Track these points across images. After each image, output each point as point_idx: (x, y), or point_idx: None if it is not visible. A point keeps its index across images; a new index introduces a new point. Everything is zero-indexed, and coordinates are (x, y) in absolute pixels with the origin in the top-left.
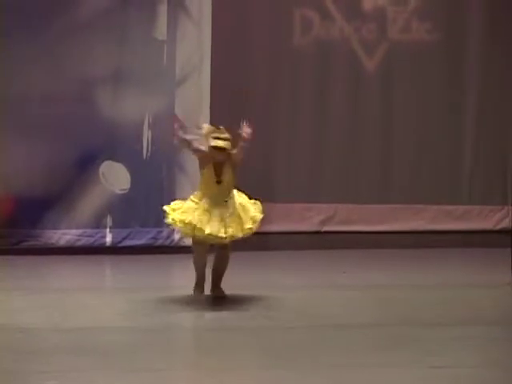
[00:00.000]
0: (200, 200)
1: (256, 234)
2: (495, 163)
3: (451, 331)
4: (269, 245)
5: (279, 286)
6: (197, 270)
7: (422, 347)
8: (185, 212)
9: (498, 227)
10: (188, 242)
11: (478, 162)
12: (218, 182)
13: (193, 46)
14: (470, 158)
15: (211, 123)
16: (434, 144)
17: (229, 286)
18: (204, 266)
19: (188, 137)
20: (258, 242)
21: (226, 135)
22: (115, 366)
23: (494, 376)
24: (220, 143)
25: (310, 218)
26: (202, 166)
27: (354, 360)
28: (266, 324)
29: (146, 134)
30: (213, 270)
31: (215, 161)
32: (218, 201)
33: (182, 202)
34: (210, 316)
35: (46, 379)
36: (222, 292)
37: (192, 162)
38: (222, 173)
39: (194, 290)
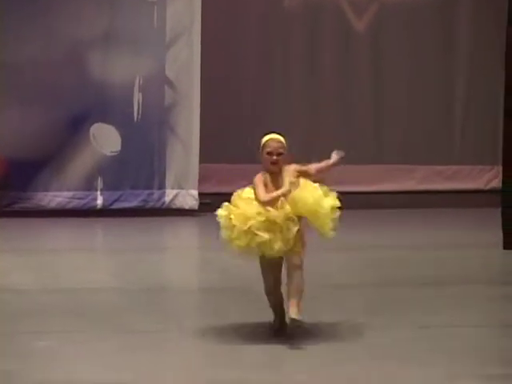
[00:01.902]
0: None
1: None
2: (485, 124)
3: (442, 291)
4: None
5: None
6: None
7: (413, 307)
8: None
9: (488, 187)
10: (177, 204)
11: (469, 123)
12: None
13: (183, 8)
14: (460, 119)
15: (202, 85)
16: (425, 105)
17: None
18: None
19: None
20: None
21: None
22: (106, 327)
23: (484, 335)
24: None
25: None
26: None
27: (344, 320)
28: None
29: (137, 96)
30: None
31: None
32: None
33: None
34: (202, 277)
35: (36, 340)
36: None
37: (183, 124)
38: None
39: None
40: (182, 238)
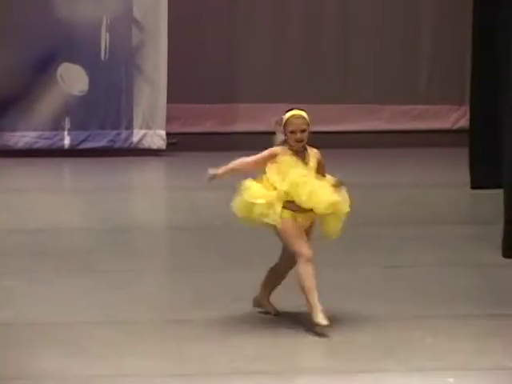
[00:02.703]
0: None
1: (219, 134)
2: (453, 63)
3: (408, 231)
4: (232, 145)
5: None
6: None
7: (379, 247)
8: None
9: (456, 127)
10: (144, 144)
11: (436, 62)
12: None
13: None
14: (427, 59)
15: (169, 25)
16: (392, 43)
17: (192, 187)
18: None
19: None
20: (222, 142)
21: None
22: (74, 267)
23: (449, 274)
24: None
25: (267, 117)
26: None
27: (318, 259)
28: (226, 224)
29: (104, 36)
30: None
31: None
32: None
33: None
34: (171, 216)
35: (3, 280)
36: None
37: (150, 64)
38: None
39: None
40: (150, 177)
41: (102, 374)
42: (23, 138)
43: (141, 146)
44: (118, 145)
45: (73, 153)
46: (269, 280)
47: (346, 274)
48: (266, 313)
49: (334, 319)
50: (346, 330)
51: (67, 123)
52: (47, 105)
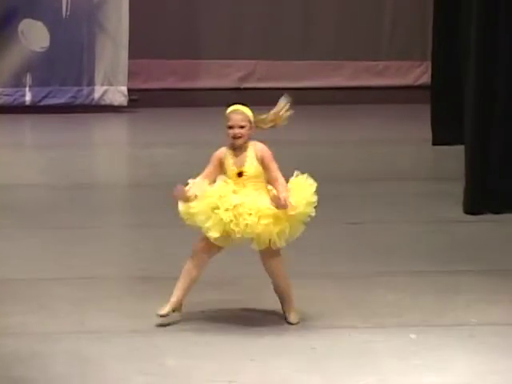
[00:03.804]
0: None
1: (181, 90)
2: (415, 19)
3: (370, 187)
4: (193, 101)
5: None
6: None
7: (340, 204)
8: None
9: (418, 83)
10: (106, 100)
11: (398, 17)
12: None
13: None
14: (389, 14)
15: None
16: None
17: (154, 143)
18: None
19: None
20: (184, 98)
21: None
22: (34, 223)
23: (410, 231)
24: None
25: (229, 74)
26: None
27: None
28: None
29: None
30: None
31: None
32: None
33: None
34: (132, 172)
35: None
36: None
37: (112, 20)
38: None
39: None
40: (111, 134)
41: (63, 331)
42: None
43: (102, 103)
44: (79, 101)
45: (34, 109)
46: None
47: (308, 230)
48: None
49: (296, 277)
50: (308, 287)
51: (28, 79)
52: (8, 61)
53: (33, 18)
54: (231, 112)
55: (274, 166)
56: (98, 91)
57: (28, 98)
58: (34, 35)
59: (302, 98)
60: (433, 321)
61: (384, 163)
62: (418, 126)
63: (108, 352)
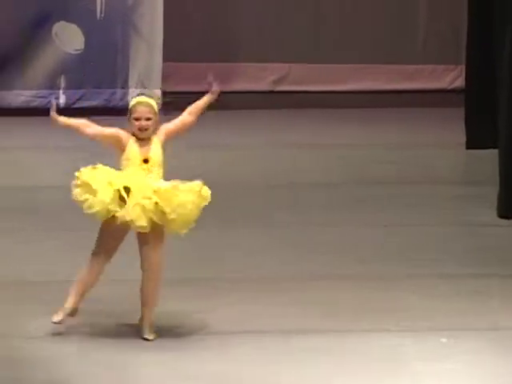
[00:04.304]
0: None
1: (197, 93)
2: (449, 22)
3: (402, 190)
4: (228, 104)
5: (236, 145)
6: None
7: (377, 206)
8: None
9: (452, 86)
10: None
11: (432, 21)
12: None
13: None
14: (424, 17)
15: None
16: (388, 3)
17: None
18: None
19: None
20: (218, 101)
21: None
22: (58, 225)
23: (443, 233)
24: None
25: (263, 77)
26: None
27: (308, 219)
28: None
29: None
30: None
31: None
32: None
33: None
34: None
35: None
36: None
37: (147, 23)
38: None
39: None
40: None
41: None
42: (19, 96)
43: None
44: (113, 104)
45: (68, 111)
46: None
47: (345, 233)
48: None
49: (328, 279)
50: (339, 291)
51: (63, 82)
52: (43, 63)
53: (67, 20)
54: (137, 104)
55: (178, 119)
56: (132, 94)
57: (62, 100)
58: (69, 37)
59: (335, 101)
60: (464, 325)
61: (418, 166)
62: (452, 129)
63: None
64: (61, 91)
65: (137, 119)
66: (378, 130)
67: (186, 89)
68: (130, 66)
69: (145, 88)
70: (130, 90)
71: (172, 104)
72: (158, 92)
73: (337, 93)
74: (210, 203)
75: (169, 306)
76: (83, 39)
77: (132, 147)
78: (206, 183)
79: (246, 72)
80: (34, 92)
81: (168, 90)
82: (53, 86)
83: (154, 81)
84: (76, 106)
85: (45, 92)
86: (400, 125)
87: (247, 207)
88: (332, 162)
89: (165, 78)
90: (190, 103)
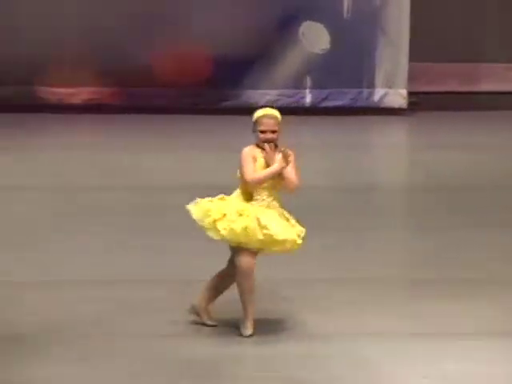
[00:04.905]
0: None
1: (461, 93)
2: None
3: None
4: (473, 105)
5: (481, 146)
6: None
7: None
8: None
9: None
10: (385, 103)
11: None
12: None
13: None
14: None
15: None
16: None
17: (433, 147)
18: None
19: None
20: (463, 102)
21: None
22: (314, 225)
23: None
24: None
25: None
26: None
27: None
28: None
29: None
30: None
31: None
32: None
33: None
34: (411, 175)
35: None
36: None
37: (393, 23)
38: None
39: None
40: (390, 136)
41: (341, 332)
42: (265, 96)
43: (382, 105)
44: (359, 103)
45: (314, 111)
46: (213, 287)
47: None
48: (203, 324)
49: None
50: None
51: (308, 81)
52: (289, 63)
53: (314, 19)
54: (263, 116)
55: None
56: (378, 93)
57: (308, 99)
58: (315, 37)
59: None
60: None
61: None
62: None
63: (386, 354)
64: (307, 91)
65: (263, 132)
66: None
67: (432, 89)
68: (376, 65)
69: (390, 88)
70: (376, 90)
71: (417, 104)
72: (404, 92)
73: None
74: (465, 204)
75: None
76: (329, 39)
77: (258, 161)
78: (453, 183)
79: (494, 72)
80: (279, 91)
81: (414, 90)
82: (298, 85)
83: (399, 81)
84: (321, 105)
85: (290, 92)
86: None
87: (491, 207)
88: None
89: (411, 78)
90: (435, 103)
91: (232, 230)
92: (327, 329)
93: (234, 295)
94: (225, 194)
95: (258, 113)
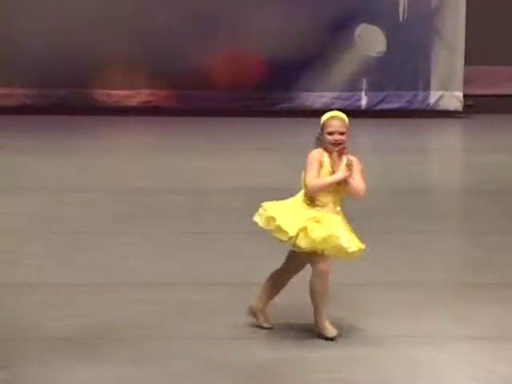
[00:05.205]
0: None
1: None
2: None
3: None
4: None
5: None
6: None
7: None
8: None
9: None
10: (441, 105)
11: None
12: None
13: None
14: None
15: None
16: None
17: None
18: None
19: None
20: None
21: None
22: (366, 227)
23: None
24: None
25: None
26: None
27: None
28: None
29: None
30: None
31: None
32: None
33: None
34: (466, 178)
35: None
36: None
37: (448, 26)
38: None
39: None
40: (446, 139)
41: (394, 334)
42: (320, 98)
43: (437, 108)
44: (414, 106)
45: (369, 113)
46: (270, 287)
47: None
48: (260, 326)
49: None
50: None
51: (364, 84)
52: (345, 65)
53: (370, 22)
54: (331, 118)
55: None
56: (434, 96)
57: (364, 102)
58: (371, 40)
59: None
60: None
61: None
62: None
63: (439, 357)
64: (363, 93)
65: (330, 133)
66: None
67: (487, 92)
68: (431, 68)
69: (446, 90)
70: (432, 93)
71: (473, 107)
72: (460, 95)
73: None
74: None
75: None
76: (385, 41)
77: (325, 166)
78: (508, 187)
79: None
80: (335, 94)
81: (469, 93)
82: (354, 88)
83: (455, 83)
84: (377, 108)
85: (346, 94)
86: None
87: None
88: None
89: (467, 81)
90: (491, 106)
91: (312, 238)
92: (382, 331)
93: (282, 299)
94: (280, 198)
95: (326, 115)
